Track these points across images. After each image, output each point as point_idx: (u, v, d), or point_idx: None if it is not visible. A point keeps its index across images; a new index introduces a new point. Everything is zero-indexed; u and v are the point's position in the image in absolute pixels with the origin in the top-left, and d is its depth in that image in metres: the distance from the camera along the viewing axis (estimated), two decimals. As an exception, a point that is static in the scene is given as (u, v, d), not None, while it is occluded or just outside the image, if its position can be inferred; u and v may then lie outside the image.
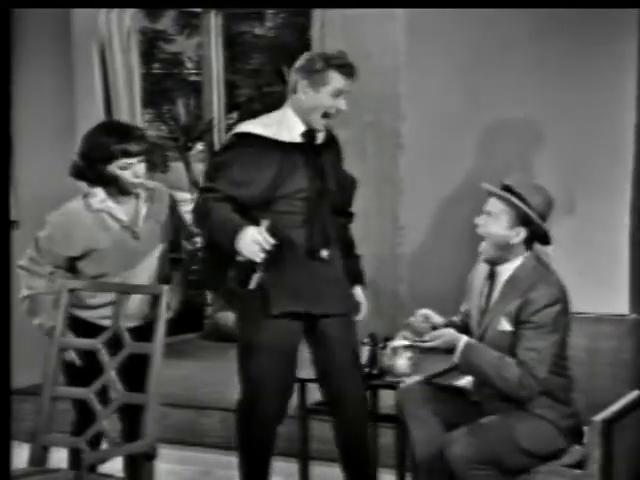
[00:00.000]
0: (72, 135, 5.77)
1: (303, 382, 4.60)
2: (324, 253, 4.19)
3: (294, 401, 4.55)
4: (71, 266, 4.17)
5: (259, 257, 3.96)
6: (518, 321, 3.92)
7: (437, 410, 4.05)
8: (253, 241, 3.95)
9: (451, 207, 5.73)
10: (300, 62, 4.20)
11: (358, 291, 4.44)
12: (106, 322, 3.92)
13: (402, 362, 4.48)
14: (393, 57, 5.74)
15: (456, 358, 3.93)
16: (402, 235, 5.98)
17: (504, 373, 3.86)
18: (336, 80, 4.13)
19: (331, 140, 4.33)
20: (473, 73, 5.72)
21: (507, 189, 4.00)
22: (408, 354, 4.51)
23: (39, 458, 3.69)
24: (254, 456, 4.27)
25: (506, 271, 4.03)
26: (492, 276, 4.07)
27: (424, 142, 5.85)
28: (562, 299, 3.94)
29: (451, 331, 3.98)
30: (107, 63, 6.56)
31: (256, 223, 4.00)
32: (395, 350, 4.50)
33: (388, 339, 4.54)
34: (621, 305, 5.42)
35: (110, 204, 4.17)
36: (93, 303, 4.19)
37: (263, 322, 4.15)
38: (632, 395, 4.17)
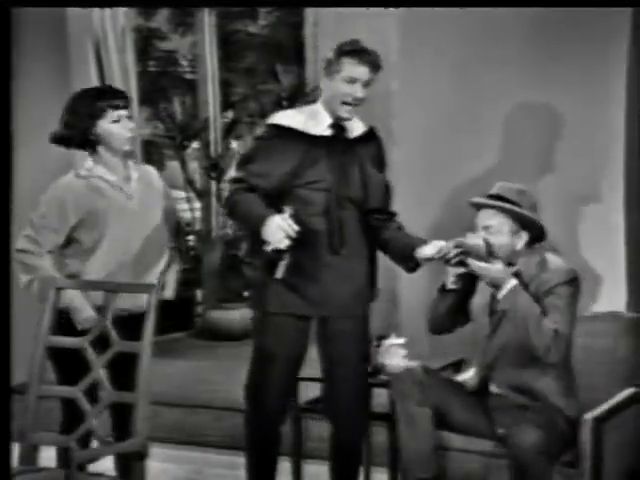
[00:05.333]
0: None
1: (296, 381, 4.58)
2: (341, 251, 4.18)
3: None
4: (68, 241, 4.18)
5: (284, 244, 3.98)
6: (537, 299, 3.96)
7: (430, 399, 4.06)
8: (278, 228, 3.97)
9: (446, 205, 5.72)
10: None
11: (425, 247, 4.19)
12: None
13: (396, 361, 4.47)
14: (385, 55, 5.70)
15: (501, 295, 3.96)
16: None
17: (542, 327, 3.89)
18: (349, 67, 4.10)
19: (370, 136, 4.30)
20: (466, 71, 5.71)
21: (497, 198, 4.03)
22: (402, 352, 4.49)
23: (29, 457, 3.68)
24: (261, 455, 4.31)
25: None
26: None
27: (417, 140, 5.84)
28: (576, 278, 4.01)
29: (504, 267, 4.00)
30: (103, 62, 6.57)
31: (280, 212, 4.03)
32: (390, 348, 4.49)
33: (382, 337, 4.53)
34: (619, 303, 5.41)
35: (99, 169, 4.21)
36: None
37: (270, 320, 4.18)
38: (625, 393, 4.17)
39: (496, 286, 3.99)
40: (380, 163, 4.34)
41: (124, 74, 6.63)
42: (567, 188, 5.55)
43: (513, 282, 3.96)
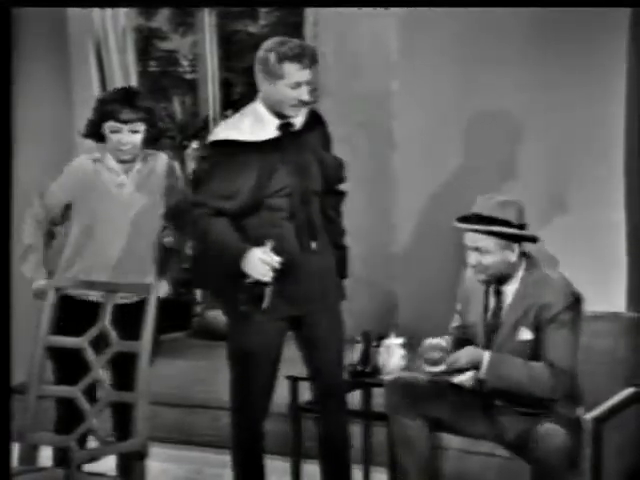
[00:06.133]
0: (70, 134, 5.77)
1: (295, 380, 4.59)
2: (313, 245, 4.17)
3: (286, 400, 4.55)
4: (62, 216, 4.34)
5: (269, 277, 3.99)
6: (539, 326, 3.94)
7: (422, 410, 4.05)
8: (261, 262, 3.97)
9: (444, 205, 5.72)
10: (258, 55, 4.11)
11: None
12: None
13: (395, 360, 4.47)
14: (385, 55, 5.74)
15: (483, 374, 3.95)
16: (395, 233, 5.97)
17: (535, 378, 3.89)
18: (293, 72, 4.04)
19: (313, 121, 4.24)
20: (466, 71, 5.71)
21: (480, 218, 3.99)
22: (401, 352, 4.50)
23: (29, 457, 3.69)
24: (247, 455, 4.29)
25: (512, 285, 4.04)
26: (498, 291, 4.07)
27: (417, 140, 5.84)
28: (577, 300, 3.98)
29: (471, 349, 4.00)
30: (104, 62, 6.57)
31: (243, 230, 4.04)
32: (388, 348, 4.49)
33: (381, 337, 4.53)
34: (619, 303, 5.41)
35: (108, 157, 4.30)
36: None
37: (248, 323, 4.15)
38: (624, 393, 4.16)
39: (475, 367, 3.97)
40: (327, 142, 4.29)
41: (125, 74, 6.63)
42: (567, 186, 5.55)
43: (487, 357, 3.94)
